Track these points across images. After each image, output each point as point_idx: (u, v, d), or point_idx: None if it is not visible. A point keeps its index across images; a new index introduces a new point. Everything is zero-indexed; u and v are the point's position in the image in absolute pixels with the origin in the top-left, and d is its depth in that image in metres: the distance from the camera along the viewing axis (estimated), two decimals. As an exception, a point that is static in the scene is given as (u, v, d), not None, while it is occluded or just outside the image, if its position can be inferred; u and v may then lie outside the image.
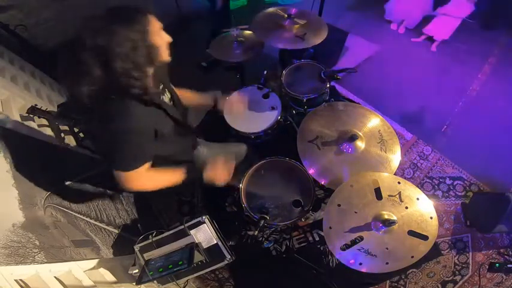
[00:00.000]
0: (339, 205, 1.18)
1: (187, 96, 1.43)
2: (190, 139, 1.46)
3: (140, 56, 0.89)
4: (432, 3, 3.06)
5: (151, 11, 0.93)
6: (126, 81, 0.89)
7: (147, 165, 1.05)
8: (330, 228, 1.15)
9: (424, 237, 1.10)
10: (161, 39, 0.97)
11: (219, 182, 1.27)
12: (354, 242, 1.11)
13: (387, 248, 1.10)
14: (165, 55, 1.01)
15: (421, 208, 1.16)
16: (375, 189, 1.19)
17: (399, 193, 1.18)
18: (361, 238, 1.11)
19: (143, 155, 1.03)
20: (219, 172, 1.26)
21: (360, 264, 1.09)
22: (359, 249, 1.10)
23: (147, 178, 1.07)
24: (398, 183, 1.20)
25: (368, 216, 1.15)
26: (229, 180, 1.31)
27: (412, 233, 1.11)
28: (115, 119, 0.94)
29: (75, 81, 0.87)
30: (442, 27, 2.95)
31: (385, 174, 1.25)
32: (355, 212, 1.16)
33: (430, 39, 3.09)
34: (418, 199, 1.17)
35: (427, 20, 3.09)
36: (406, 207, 1.15)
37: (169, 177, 1.19)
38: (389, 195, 1.18)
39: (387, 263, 1.08)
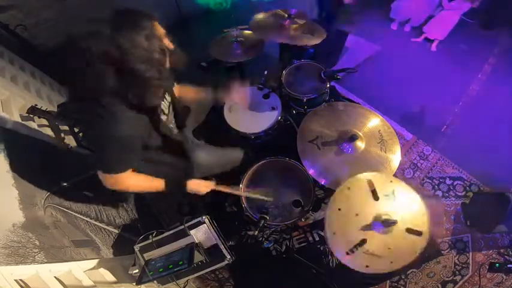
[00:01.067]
0: (339, 209, 1.17)
1: (186, 91, 1.43)
2: (179, 152, 1.42)
3: (157, 62, 0.90)
4: (437, 3, 3.06)
5: (155, 16, 0.93)
6: (139, 89, 0.90)
7: (129, 171, 1.06)
8: (334, 233, 1.13)
9: (419, 233, 1.10)
10: (169, 44, 0.97)
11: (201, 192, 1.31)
12: (357, 246, 1.10)
13: (390, 248, 1.10)
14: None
15: (412, 204, 1.16)
16: (371, 190, 1.19)
17: (393, 191, 1.18)
18: (364, 241, 1.11)
19: (127, 162, 1.04)
20: (202, 186, 1.30)
21: (367, 266, 1.09)
22: (364, 252, 1.10)
23: (127, 182, 1.09)
24: (391, 182, 1.20)
25: (368, 218, 1.14)
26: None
27: (409, 230, 1.11)
28: (104, 124, 0.93)
29: (87, 82, 0.87)
30: (438, 27, 2.96)
31: (378, 174, 1.24)
32: (356, 215, 1.15)
33: (430, 39, 3.09)
34: (409, 195, 1.17)
35: (427, 19, 3.09)
36: (401, 205, 1.15)
37: (148, 185, 1.19)
38: (385, 195, 1.17)
39: (391, 262, 1.08)
